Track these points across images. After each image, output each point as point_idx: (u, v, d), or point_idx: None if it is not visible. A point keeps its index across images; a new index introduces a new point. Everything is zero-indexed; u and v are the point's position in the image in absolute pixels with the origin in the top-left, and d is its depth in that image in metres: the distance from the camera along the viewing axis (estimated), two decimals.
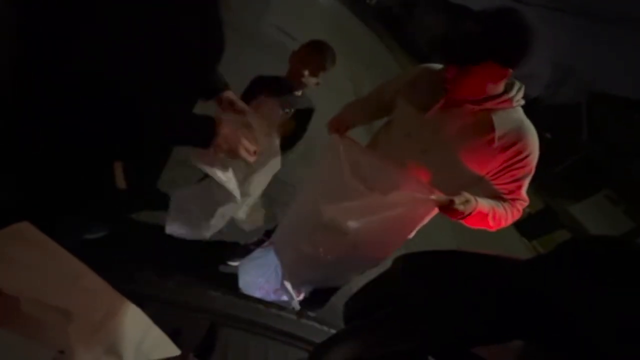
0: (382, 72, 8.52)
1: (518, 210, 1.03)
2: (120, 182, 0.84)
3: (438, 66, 1.05)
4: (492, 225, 1.00)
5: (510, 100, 0.93)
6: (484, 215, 0.95)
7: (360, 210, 0.97)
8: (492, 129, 0.93)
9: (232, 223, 1.79)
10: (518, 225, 7.13)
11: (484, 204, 0.95)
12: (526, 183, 1.00)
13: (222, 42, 0.89)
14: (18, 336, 0.45)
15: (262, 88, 1.31)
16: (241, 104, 1.01)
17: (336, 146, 1.05)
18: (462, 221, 0.98)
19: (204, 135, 0.80)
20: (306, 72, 1.29)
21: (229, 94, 1.01)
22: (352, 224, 0.98)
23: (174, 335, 0.59)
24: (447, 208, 0.90)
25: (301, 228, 1.11)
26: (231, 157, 0.86)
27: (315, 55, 1.30)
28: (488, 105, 0.92)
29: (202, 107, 0.92)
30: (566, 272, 0.25)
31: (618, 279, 0.23)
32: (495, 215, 0.97)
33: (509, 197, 1.02)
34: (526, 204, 1.03)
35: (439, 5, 18.04)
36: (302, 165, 2.58)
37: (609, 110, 12.15)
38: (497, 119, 0.93)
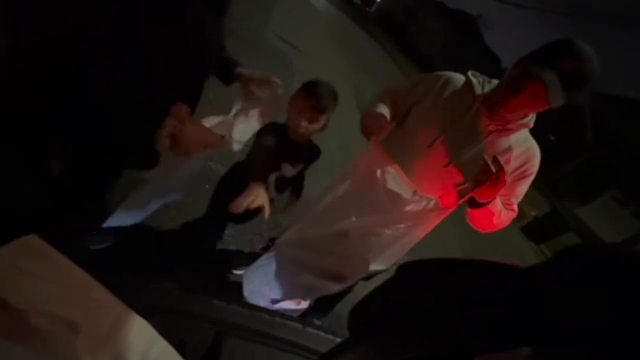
0: (384, 78, 8.57)
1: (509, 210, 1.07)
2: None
3: (459, 77, 1.05)
4: (494, 226, 1.03)
5: (528, 123, 0.98)
6: (491, 214, 0.99)
7: (388, 223, 1.03)
8: (508, 149, 0.97)
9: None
10: (525, 229, 7.04)
11: (498, 201, 0.98)
12: (520, 198, 1.05)
13: (224, 50, 0.92)
14: (25, 349, 0.45)
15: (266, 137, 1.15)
16: (259, 77, 1.03)
17: (376, 157, 1.03)
18: (471, 214, 1.02)
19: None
20: (304, 122, 1.12)
21: (243, 72, 1.03)
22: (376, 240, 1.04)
23: (179, 345, 0.59)
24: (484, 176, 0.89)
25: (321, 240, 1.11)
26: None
27: (309, 99, 1.11)
28: (510, 126, 0.96)
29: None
30: (566, 278, 0.25)
31: (616, 286, 0.23)
32: (500, 216, 1.01)
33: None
34: (515, 215, 1.06)
35: (438, 12, 18.18)
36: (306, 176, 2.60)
37: (613, 111, 12.06)
38: (515, 139, 0.98)
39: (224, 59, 1.03)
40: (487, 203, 0.94)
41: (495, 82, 1.02)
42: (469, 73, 1.03)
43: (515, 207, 1.05)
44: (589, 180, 11.76)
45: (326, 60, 6.43)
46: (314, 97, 1.12)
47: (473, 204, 0.97)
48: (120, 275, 0.60)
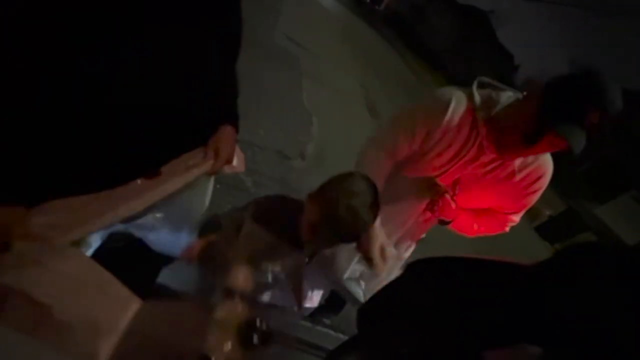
0: (394, 77, 8.49)
1: (504, 228, 1.07)
2: None
3: (462, 99, 0.91)
4: (475, 232, 1.06)
5: None
6: (471, 222, 1.04)
7: None
8: (511, 174, 0.95)
9: None
10: (539, 228, 6.87)
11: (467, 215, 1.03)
12: (522, 212, 1.04)
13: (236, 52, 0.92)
14: (49, 348, 0.47)
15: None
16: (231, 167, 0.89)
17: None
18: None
19: None
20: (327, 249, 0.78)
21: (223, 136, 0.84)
22: None
23: None
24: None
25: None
26: None
27: (333, 230, 0.67)
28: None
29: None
30: (568, 276, 0.25)
31: (619, 285, 0.23)
32: (481, 225, 1.05)
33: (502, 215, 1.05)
34: (515, 223, 1.07)
35: (448, 8, 17.90)
36: (314, 173, 2.59)
37: (630, 107, 11.64)
38: (520, 162, 0.93)
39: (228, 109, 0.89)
40: (451, 221, 1.00)
41: (507, 94, 0.90)
42: (474, 85, 0.91)
43: (511, 223, 1.05)
44: (607, 179, 11.40)
45: (335, 59, 6.41)
46: (343, 234, 0.68)
47: (442, 222, 1.03)
48: (139, 273, 0.61)
